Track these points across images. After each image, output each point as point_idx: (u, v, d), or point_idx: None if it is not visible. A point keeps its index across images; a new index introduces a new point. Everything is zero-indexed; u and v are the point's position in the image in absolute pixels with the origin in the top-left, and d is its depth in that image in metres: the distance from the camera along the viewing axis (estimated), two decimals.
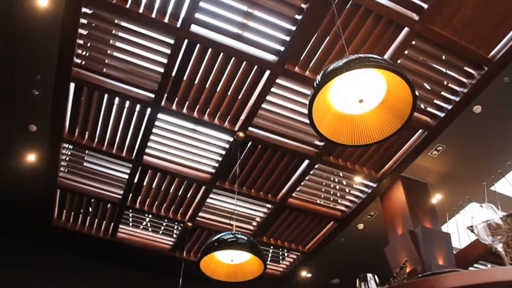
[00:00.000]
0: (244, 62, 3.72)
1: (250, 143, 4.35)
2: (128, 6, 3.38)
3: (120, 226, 5.54)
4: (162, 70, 3.78)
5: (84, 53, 3.74)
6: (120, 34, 3.67)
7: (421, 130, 4.23)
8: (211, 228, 5.40)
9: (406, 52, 3.65)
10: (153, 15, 3.43)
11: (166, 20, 3.45)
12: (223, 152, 4.51)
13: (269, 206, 5.18)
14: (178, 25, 3.45)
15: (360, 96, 1.95)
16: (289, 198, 5.00)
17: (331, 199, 5.19)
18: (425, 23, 3.40)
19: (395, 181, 4.73)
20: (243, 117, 4.12)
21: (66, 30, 3.46)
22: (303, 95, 3.97)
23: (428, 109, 4.08)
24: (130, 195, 5.00)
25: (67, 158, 4.75)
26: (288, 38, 3.54)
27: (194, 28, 3.49)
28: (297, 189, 4.89)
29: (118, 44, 3.74)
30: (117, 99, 4.05)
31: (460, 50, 3.61)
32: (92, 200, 5.11)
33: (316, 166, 4.64)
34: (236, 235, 3.11)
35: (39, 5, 3.33)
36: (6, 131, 4.24)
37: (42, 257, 5.58)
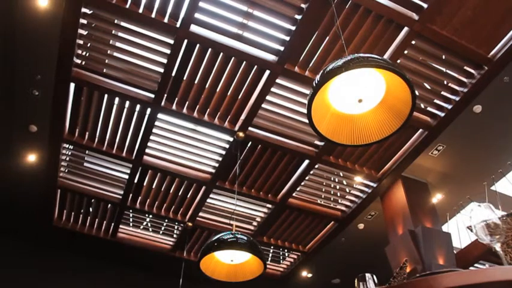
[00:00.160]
0: (244, 62, 3.72)
1: (250, 143, 4.35)
2: (127, 6, 3.38)
3: (121, 226, 5.54)
4: (162, 70, 3.78)
5: (84, 53, 3.74)
6: (120, 34, 3.68)
7: (421, 130, 4.23)
8: (212, 228, 5.40)
9: (406, 52, 3.65)
10: (153, 15, 3.43)
11: (166, 20, 3.45)
12: (223, 152, 4.51)
13: (269, 206, 5.18)
14: (178, 25, 3.45)
15: (359, 96, 1.94)
16: (290, 198, 5.00)
17: (332, 199, 5.19)
18: (425, 23, 3.40)
19: (396, 181, 4.72)
20: (243, 117, 4.12)
21: (66, 31, 3.46)
22: (302, 94, 3.97)
23: (429, 109, 4.08)
24: (131, 195, 5.01)
25: (67, 158, 4.75)
26: (287, 38, 3.54)
27: (194, 28, 3.49)
28: (297, 189, 4.89)
29: (118, 44, 3.74)
30: (117, 100, 4.05)
31: (460, 50, 3.61)
32: (92, 200, 5.11)
33: (316, 166, 4.64)
34: (236, 235, 3.11)
35: (39, 5, 3.33)
36: (7, 131, 4.25)
37: (42, 257, 5.58)
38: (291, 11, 3.40)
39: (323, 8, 3.33)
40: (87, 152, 4.68)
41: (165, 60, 3.72)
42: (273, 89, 3.92)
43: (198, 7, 3.34)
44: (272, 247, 5.87)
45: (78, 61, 3.77)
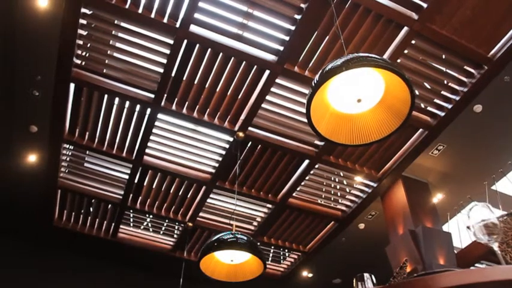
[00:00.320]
0: (244, 62, 3.72)
1: (250, 143, 4.35)
2: (127, 6, 3.38)
3: (121, 226, 5.54)
4: (161, 70, 3.78)
5: (83, 54, 3.75)
6: (120, 35, 3.68)
7: (421, 129, 4.22)
8: (212, 228, 5.40)
9: (405, 51, 3.64)
10: (152, 16, 3.43)
11: (165, 20, 3.45)
12: (223, 152, 4.51)
13: (269, 206, 5.18)
14: (178, 25, 3.45)
15: (358, 96, 1.94)
16: (290, 198, 5.00)
17: (332, 199, 5.18)
18: (425, 22, 3.40)
19: (396, 181, 4.72)
20: (242, 117, 4.12)
21: (66, 31, 3.46)
22: (302, 94, 3.97)
23: (429, 108, 4.07)
24: (131, 195, 5.01)
25: (67, 159, 4.76)
26: (287, 38, 3.54)
27: (193, 28, 3.49)
28: (297, 189, 4.89)
29: (117, 44, 3.74)
30: (117, 100, 4.05)
31: (460, 49, 3.60)
32: (93, 201, 5.11)
33: (316, 166, 4.63)
34: (236, 235, 3.11)
35: (39, 5, 3.34)
36: (7, 131, 4.25)
37: (42, 257, 5.59)
38: (291, 10, 3.40)
39: (322, 7, 3.33)
40: (87, 152, 4.69)
41: (164, 61, 3.72)
42: (272, 89, 3.92)
43: (198, 7, 3.34)
44: (272, 247, 5.86)
45: (78, 61, 3.77)
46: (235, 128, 4.20)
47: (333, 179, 4.92)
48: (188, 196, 5.02)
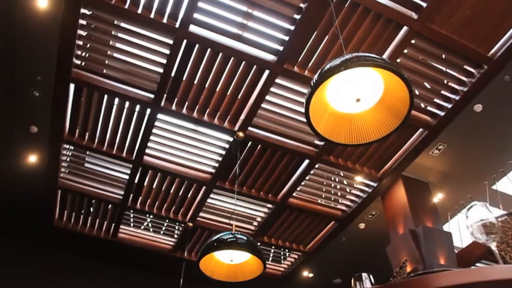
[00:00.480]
0: (243, 62, 3.72)
1: (250, 143, 4.35)
2: (126, 6, 3.38)
3: (121, 227, 5.55)
4: (161, 70, 3.78)
5: (83, 54, 3.75)
6: (119, 35, 3.68)
7: (421, 129, 4.22)
8: (212, 228, 5.41)
9: (405, 51, 3.64)
10: (152, 16, 3.43)
11: (165, 21, 3.45)
12: (223, 152, 4.51)
13: (269, 206, 5.17)
14: (177, 25, 3.45)
15: (357, 95, 1.94)
16: (290, 198, 5.00)
17: (332, 199, 5.18)
18: (424, 22, 3.39)
19: (396, 180, 4.71)
20: (242, 117, 4.12)
21: (66, 31, 3.47)
22: (302, 94, 3.96)
23: (429, 108, 4.07)
24: (131, 195, 5.01)
25: (68, 159, 4.76)
26: (286, 38, 3.54)
27: (193, 28, 3.49)
28: (298, 189, 4.89)
29: (117, 44, 3.74)
30: (116, 100, 4.05)
31: (460, 49, 3.60)
32: (93, 201, 5.12)
33: (316, 166, 4.63)
34: (235, 235, 3.11)
35: (38, 6, 3.34)
36: (7, 131, 4.25)
37: (42, 257, 5.59)
38: (290, 10, 3.40)
39: (322, 7, 3.33)
40: (87, 152, 4.69)
41: (164, 61, 3.72)
42: (272, 89, 3.92)
43: (197, 7, 3.34)
44: (273, 247, 5.86)
45: (78, 62, 3.78)
46: (235, 128, 4.20)
47: (333, 178, 4.91)
48: (188, 196, 5.02)
